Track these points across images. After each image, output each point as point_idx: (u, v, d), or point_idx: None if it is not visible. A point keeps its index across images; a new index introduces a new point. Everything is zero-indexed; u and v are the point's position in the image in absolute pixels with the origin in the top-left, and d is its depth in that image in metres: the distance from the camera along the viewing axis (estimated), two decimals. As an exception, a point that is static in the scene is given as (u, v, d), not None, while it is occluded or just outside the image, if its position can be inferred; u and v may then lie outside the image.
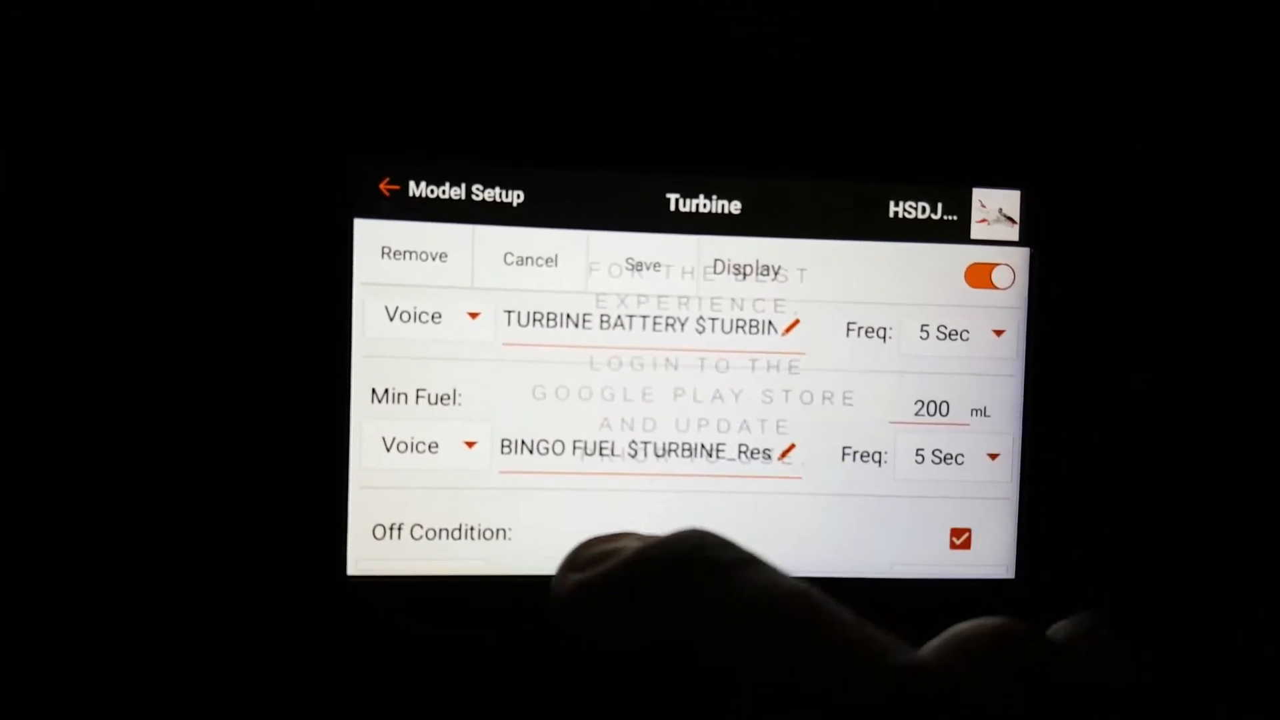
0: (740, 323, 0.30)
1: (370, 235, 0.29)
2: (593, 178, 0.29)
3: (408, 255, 0.29)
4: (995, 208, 0.31)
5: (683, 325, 0.30)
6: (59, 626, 0.28)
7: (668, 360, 0.30)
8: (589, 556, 0.18)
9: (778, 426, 0.30)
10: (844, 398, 0.30)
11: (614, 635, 0.16)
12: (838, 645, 0.15)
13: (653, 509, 0.30)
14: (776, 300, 0.30)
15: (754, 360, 0.30)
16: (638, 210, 0.30)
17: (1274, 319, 0.31)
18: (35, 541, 0.28)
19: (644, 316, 0.30)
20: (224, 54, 0.28)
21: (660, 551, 0.16)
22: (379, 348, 0.29)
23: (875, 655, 0.14)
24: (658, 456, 0.30)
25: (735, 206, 0.30)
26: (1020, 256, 0.31)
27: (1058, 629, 0.18)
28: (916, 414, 0.31)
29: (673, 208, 0.30)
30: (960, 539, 0.31)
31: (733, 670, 0.15)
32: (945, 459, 0.31)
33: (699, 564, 0.16)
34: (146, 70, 0.28)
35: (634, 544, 0.17)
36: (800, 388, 0.30)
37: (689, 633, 0.15)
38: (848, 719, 0.14)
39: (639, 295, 0.30)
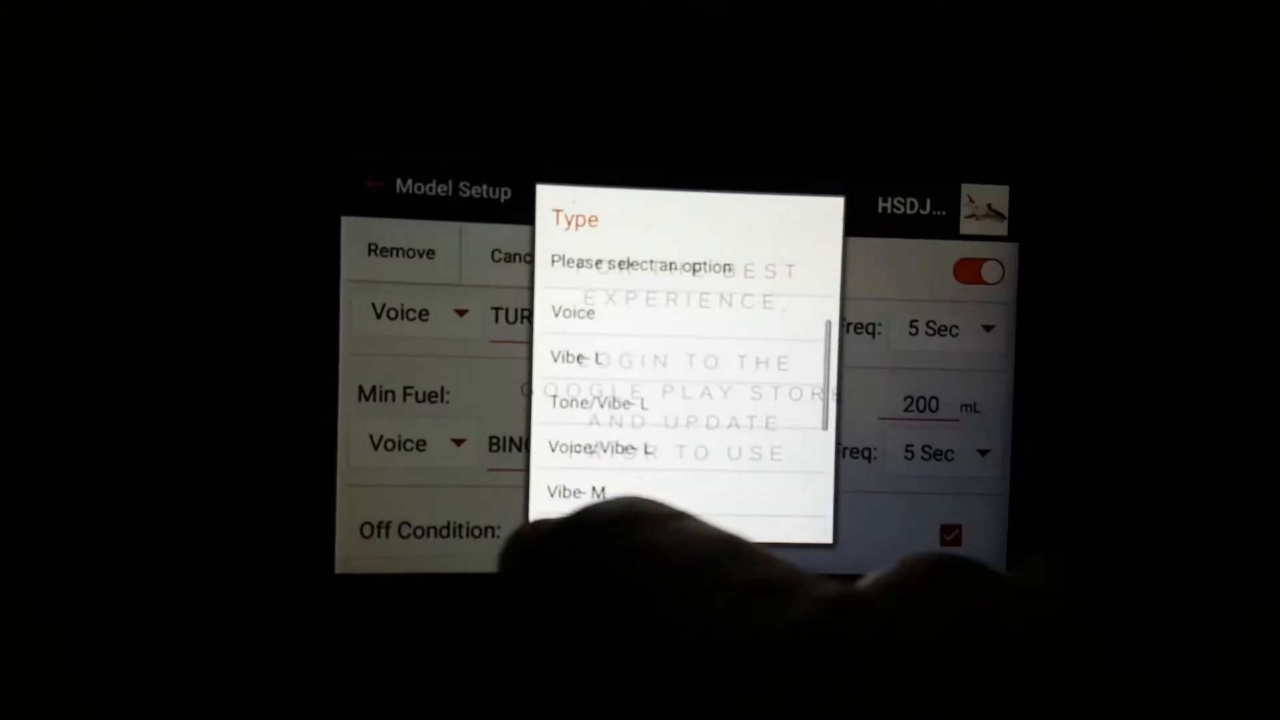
0: (729, 318, 0.30)
1: (357, 232, 0.29)
2: (581, 174, 0.29)
3: (395, 252, 0.29)
4: (984, 203, 0.31)
5: (671, 321, 0.30)
6: (48, 623, 0.28)
7: (656, 356, 0.30)
8: (531, 524, 0.18)
9: (767, 422, 0.30)
10: (833, 394, 0.30)
11: (549, 589, 0.17)
12: (766, 578, 0.14)
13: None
14: (765, 296, 0.30)
15: (743, 357, 0.30)
16: (625, 207, 0.30)
17: (1264, 310, 0.31)
18: (25, 537, 0.28)
19: (632, 313, 0.30)
20: (212, 52, 0.28)
21: (595, 508, 0.17)
22: (366, 345, 0.29)
23: (803, 585, 0.14)
24: (647, 453, 0.30)
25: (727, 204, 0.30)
26: (1009, 251, 0.31)
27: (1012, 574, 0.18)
28: (906, 410, 0.31)
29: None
30: (950, 535, 0.31)
31: (660, 621, 0.15)
32: (935, 455, 0.31)
33: (631, 516, 0.16)
34: (133, 68, 0.28)
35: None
36: (789, 383, 0.30)
37: (621, 578, 0.15)
38: (771, 649, 0.13)
39: (627, 291, 0.30)
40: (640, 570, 0.15)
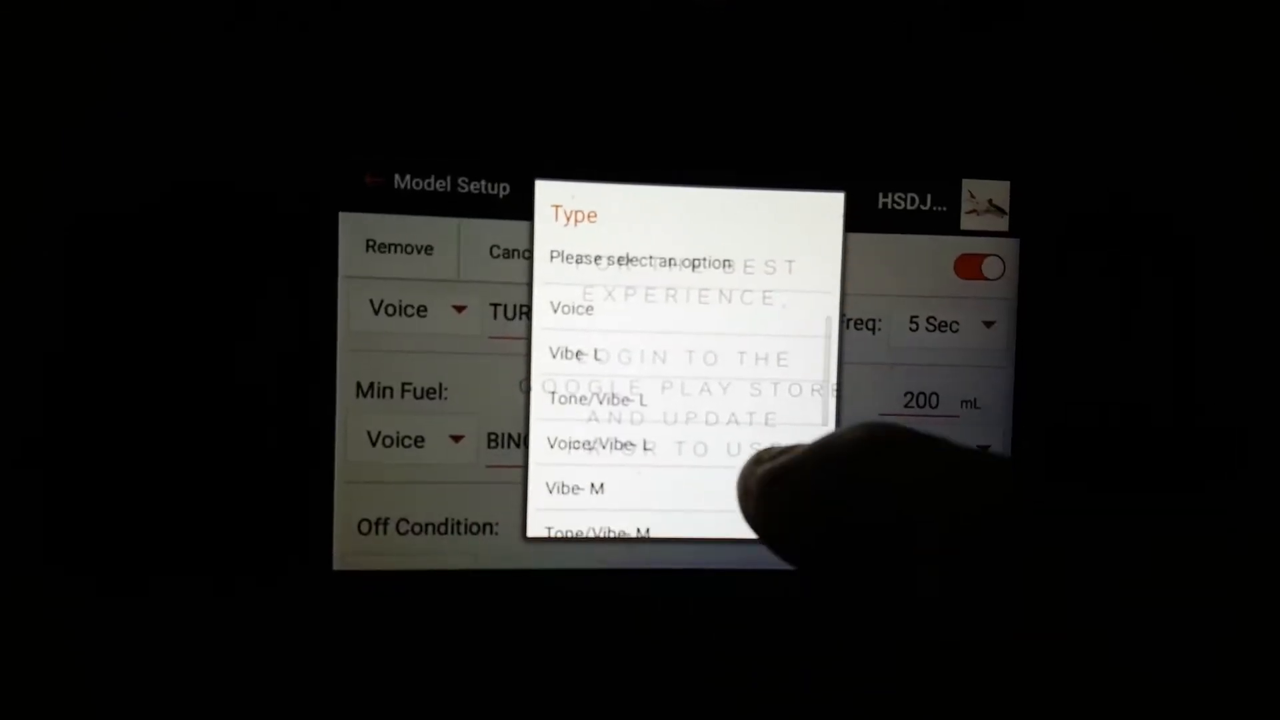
0: (728, 314, 0.30)
1: (355, 228, 0.29)
2: (580, 170, 0.29)
3: (393, 248, 0.29)
4: (985, 199, 0.30)
5: (671, 317, 0.30)
6: (43, 619, 0.28)
7: (655, 353, 0.30)
8: (773, 453, 0.19)
9: (767, 419, 0.30)
10: (833, 390, 0.30)
11: (806, 518, 0.17)
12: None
13: (642, 501, 0.30)
14: (765, 292, 0.30)
15: (743, 353, 0.30)
16: (624, 202, 0.29)
17: (1266, 307, 0.30)
18: (23, 532, 0.28)
19: (632, 309, 0.30)
20: (211, 49, 0.28)
21: (844, 436, 0.17)
22: (364, 341, 0.29)
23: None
24: (646, 449, 0.30)
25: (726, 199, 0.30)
26: (1010, 247, 0.31)
27: None
28: (906, 406, 0.30)
29: (660, 199, 0.30)
30: (951, 532, 0.31)
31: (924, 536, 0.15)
32: (935, 451, 0.30)
33: (893, 444, 0.17)
34: (133, 66, 0.28)
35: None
36: (789, 379, 0.30)
37: (884, 507, 0.16)
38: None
39: (626, 287, 0.29)
40: (913, 492, 0.16)
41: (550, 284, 0.29)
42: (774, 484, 0.18)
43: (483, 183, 0.29)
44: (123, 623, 0.28)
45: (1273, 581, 0.14)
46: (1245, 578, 0.14)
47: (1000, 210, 0.30)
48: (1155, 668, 0.13)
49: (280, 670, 0.28)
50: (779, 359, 0.30)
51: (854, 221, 0.30)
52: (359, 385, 0.29)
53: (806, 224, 0.30)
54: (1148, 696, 0.13)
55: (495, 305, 0.29)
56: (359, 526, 0.29)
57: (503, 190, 0.29)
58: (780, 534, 0.18)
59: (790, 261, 0.30)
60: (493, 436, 0.29)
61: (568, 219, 0.29)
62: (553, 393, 0.29)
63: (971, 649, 0.14)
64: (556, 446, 0.30)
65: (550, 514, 0.29)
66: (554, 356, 0.29)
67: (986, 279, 0.31)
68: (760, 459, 0.20)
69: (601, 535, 0.30)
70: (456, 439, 0.29)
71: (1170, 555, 0.14)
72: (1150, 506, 0.15)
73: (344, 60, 0.29)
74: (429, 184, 0.29)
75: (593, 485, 0.30)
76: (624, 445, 0.30)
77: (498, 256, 0.29)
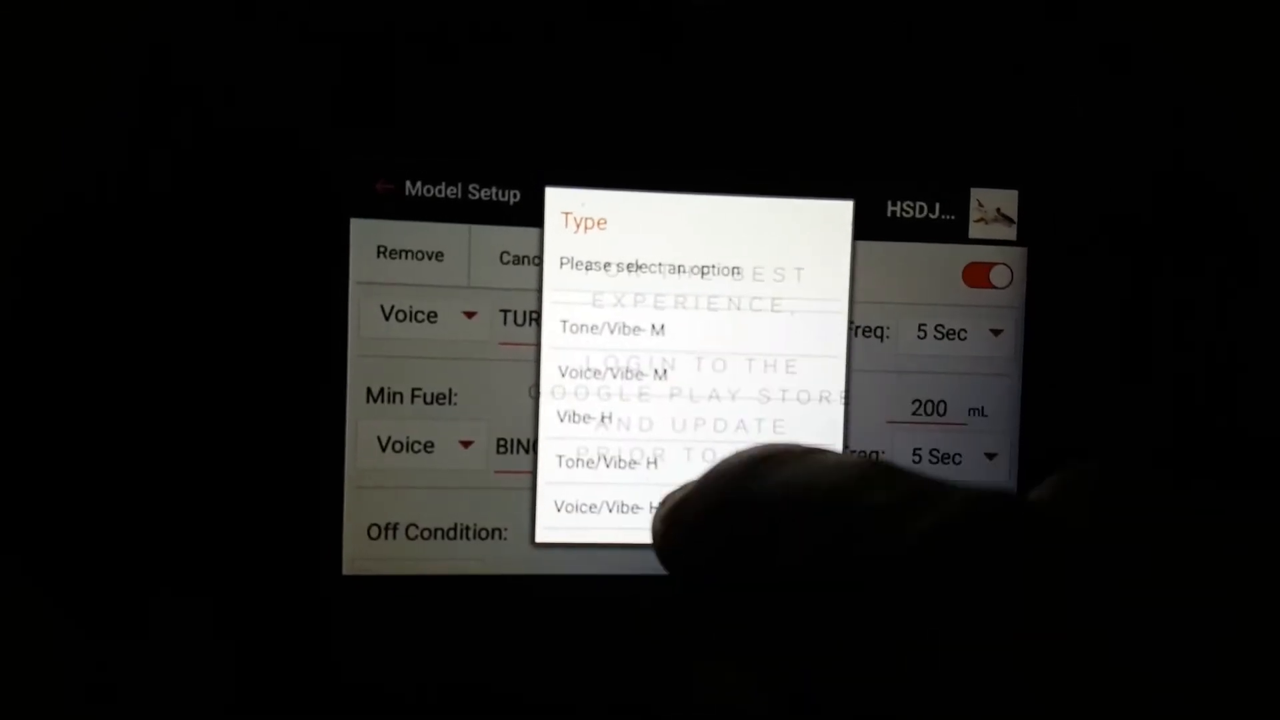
0: (737, 322, 0.30)
1: (366, 235, 0.29)
2: (590, 177, 0.29)
3: (403, 255, 0.29)
4: (993, 207, 0.31)
5: (679, 325, 0.30)
6: (53, 626, 0.28)
7: (664, 360, 0.30)
8: (669, 495, 0.19)
9: (774, 426, 0.30)
10: (841, 397, 0.30)
11: (704, 544, 0.17)
12: (910, 489, 0.15)
13: (651, 508, 0.30)
14: (774, 300, 0.30)
15: (751, 360, 0.30)
16: (634, 209, 0.30)
17: (1272, 318, 0.31)
18: (29, 541, 0.28)
19: (639, 316, 0.30)
20: (221, 53, 0.28)
21: (731, 459, 0.18)
22: (374, 347, 0.29)
23: (943, 491, 0.15)
24: (654, 456, 0.30)
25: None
26: (1018, 256, 0.31)
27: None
28: (914, 414, 0.31)
29: (669, 207, 0.30)
30: (957, 539, 0.31)
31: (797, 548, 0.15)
32: (942, 459, 0.31)
33: (771, 458, 0.17)
34: (141, 69, 0.28)
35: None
36: (797, 387, 0.30)
37: (774, 517, 0.15)
38: (915, 554, 0.13)
39: (635, 294, 0.30)
40: (798, 501, 0.16)
41: (560, 290, 0.29)
42: (668, 516, 0.19)
43: (493, 190, 0.29)
44: (133, 628, 0.28)
45: (1272, 581, 0.14)
46: (1242, 578, 0.14)
47: (1008, 219, 0.31)
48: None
49: (290, 675, 0.28)
50: (787, 366, 0.30)
51: (863, 229, 0.30)
52: (369, 390, 0.29)
53: (815, 232, 0.30)
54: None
55: (505, 311, 0.29)
56: (369, 531, 0.29)
57: (513, 197, 0.29)
58: (674, 560, 0.19)
59: (799, 269, 0.30)
60: (502, 442, 0.29)
61: (578, 226, 0.29)
62: (561, 399, 0.30)
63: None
64: (565, 453, 0.30)
65: (560, 513, 0.30)
66: (562, 362, 0.30)
67: (994, 287, 0.31)
68: (659, 507, 0.20)
69: (611, 541, 0.30)
70: (466, 444, 0.29)
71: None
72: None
73: (355, 67, 0.29)
74: (440, 191, 0.29)
75: (602, 485, 0.30)
76: (631, 452, 0.30)
77: (508, 263, 0.29)
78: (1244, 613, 0.13)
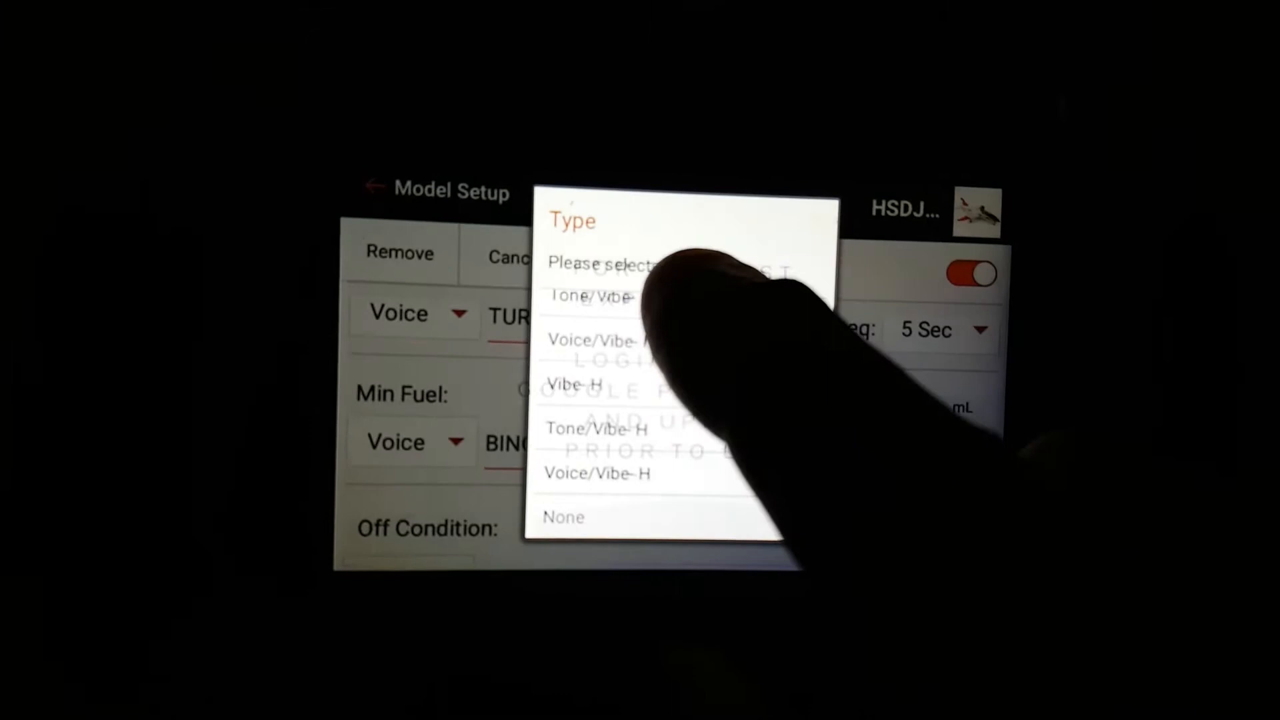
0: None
1: (356, 234, 0.29)
2: (578, 177, 0.30)
3: (394, 253, 0.29)
4: (977, 206, 0.31)
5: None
6: (49, 626, 0.28)
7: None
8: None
9: (762, 423, 0.30)
10: (827, 394, 0.30)
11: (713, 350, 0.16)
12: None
13: (639, 504, 0.30)
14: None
15: (738, 357, 0.30)
16: (622, 208, 0.30)
17: (1261, 311, 0.31)
18: (26, 541, 0.28)
19: (629, 313, 0.30)
20: (213, 52, 0.28)
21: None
22: (365, 345, 0.29)
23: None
24: (642, 451, 0.30)
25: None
26: (1002, 254, 0.31)
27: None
28: (899, 410, 0.31)
29: (657, 206, 0.30)
30: (943, 534, 0.31)
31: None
32: (928, 455, 0.31)
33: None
34: (135, 67, 0.28)
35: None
36: (784, 384, 0.30)
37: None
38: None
39: (625, 293, 0.30)
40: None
41: (549, 288, 0.30)
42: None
43: (482, 189, 0.30)
44: (125, 625, 0.28)
45: (1270, 581, 0.14)
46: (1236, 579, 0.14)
47: (992, 217, 0.31)
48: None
49: (281, 670, 0.28)
50: (774, 363, 0.30)
51: (848, 228, 0.31)
52: (360, 388, 0.29)
53: (801, 230, 0.30)
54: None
55: (495, 309, 0.30)
56: (360, 528, 0.29)
57: (502, 196, 0.30)
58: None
59: (785, 267, 0.30)
60: (492, 439, 0.30)
61: (566, 225, 0.30)
62: (551, 395, 0.30)
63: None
64: (554, 447, 0.30)
65: (549, 510, 0.30)
66: (552, 360, 0.30)
67: (979, 285, 0.31)
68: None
69: (600, 537, 0.30)
70: (456, 441, 0.30)
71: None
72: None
73: (346, 67, 0.29)
74: (429, 190, 0.29)
75: (590, 481, 0.30)
76: (620, 446, 0.30)
77: (497, 261, 0.30)
78: (1218, 578, 0.13)
